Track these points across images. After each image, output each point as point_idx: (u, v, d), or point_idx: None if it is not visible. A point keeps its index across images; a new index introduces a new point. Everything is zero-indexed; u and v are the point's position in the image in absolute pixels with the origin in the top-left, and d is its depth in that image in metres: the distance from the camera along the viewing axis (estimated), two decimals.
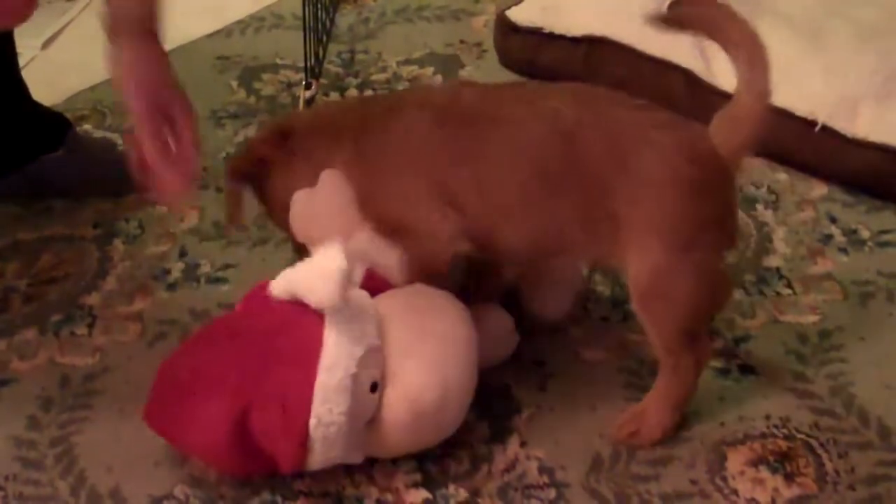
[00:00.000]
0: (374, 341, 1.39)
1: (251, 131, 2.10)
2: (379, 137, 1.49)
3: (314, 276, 1.38)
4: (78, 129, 1.97)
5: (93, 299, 1.77)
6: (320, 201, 1.51)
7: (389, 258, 1.50)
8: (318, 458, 1.38)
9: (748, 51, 1.37)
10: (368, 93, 2.24)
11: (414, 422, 1.41)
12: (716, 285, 1.46)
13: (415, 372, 1.41)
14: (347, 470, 1.47)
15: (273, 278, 1.45)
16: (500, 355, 1.59)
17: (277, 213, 1.60)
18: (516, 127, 1.43)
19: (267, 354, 1.39)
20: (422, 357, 1.42)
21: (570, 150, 1.41)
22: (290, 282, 1.40)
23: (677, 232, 1.40)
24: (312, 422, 1.35)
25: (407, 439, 1.45)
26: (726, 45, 1.39)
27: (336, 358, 1.35)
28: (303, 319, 1.39)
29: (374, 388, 1.39)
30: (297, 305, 1.40)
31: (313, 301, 1.37)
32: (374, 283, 1.49)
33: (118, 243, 1.88)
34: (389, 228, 1.49)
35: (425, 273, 1.50)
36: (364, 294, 1.45)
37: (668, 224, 1.40)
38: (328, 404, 1.35)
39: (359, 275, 1.47)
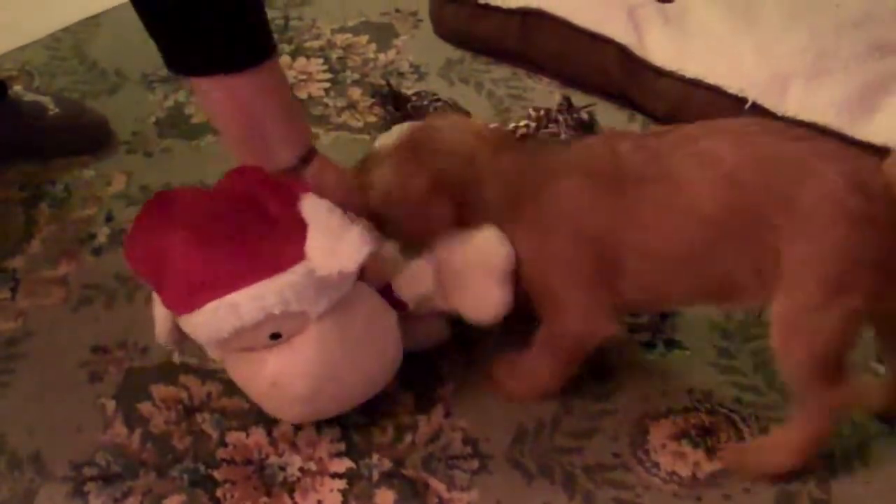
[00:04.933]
0: (312, 311, 1.37)
1: (182, 96, 2.09)
2: (540, 203, 1.42)
3: (341, 247, 1.35)
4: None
5: (17, 262, 1.75)
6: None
7: None
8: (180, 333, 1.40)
9: None
10: (301, 60, 2.22)
11: (271, 390, 1.42)
12: (858, 329, 1.36)
13: (300, 359, 1.40)
14: (271, 438, 1.48)
15: None
16: (432, 343, 1.58)
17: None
18: (677, 179, 1.35)
19: (246, 233, 1.35)
20: (320, 356, 1.40)
21: (732, 193, 1.33)
22: (322, 216, 1.37)
23: (833, 269, 1.30)
24: (211, 305, 1.33)
25: (269, 403, 1.46)
26: None
27: (275, 293, 1.33)
28: (298, 239, 1.35)
29: (273, 337, 1.38)
30: (304, 226, 1.36)
31: (314, 253, 1.35)
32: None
33: (44, 206, 1.85)
34: (541, 299, 1.47)
35: (566, 351, 1.49)
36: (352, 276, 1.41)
37: (826, 258, 1.30)
38: (234, 311, 1.33)
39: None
